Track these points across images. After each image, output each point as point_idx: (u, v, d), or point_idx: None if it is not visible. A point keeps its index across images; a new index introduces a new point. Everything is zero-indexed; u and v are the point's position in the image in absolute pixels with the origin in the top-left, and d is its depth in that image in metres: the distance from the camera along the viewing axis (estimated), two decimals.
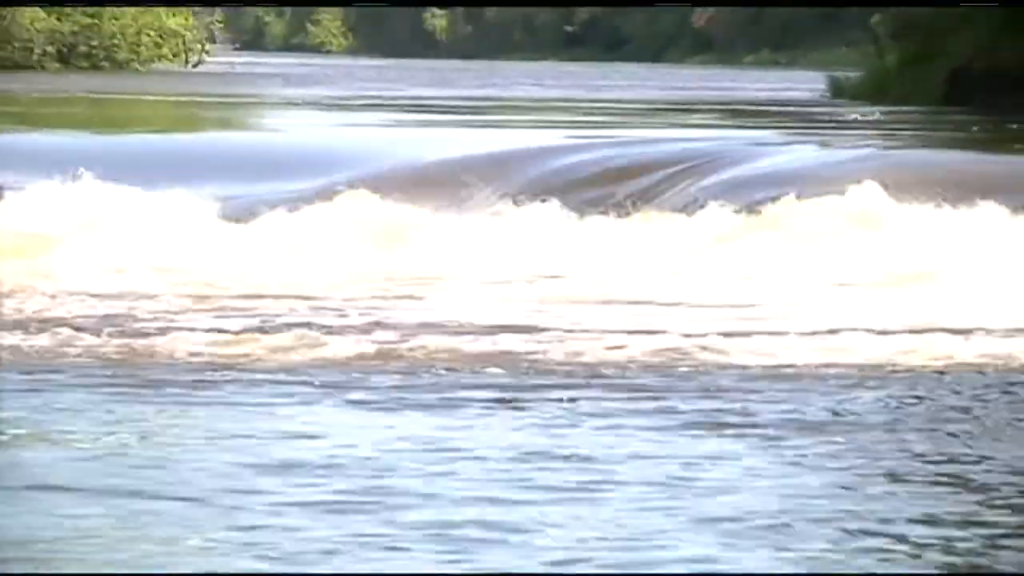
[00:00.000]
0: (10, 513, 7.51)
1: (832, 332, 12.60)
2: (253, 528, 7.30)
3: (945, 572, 6.52)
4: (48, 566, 6.85)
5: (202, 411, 10.08)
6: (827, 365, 11.56)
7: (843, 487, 8.39)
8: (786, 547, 7.24)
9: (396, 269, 15.85)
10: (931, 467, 8.83)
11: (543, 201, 18.44)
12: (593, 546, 7.17)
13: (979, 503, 8.10)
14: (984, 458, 9.03)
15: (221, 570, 6.64)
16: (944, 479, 8.55)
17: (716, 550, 7.19)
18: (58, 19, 67.34)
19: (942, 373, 11.40)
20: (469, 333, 12.60)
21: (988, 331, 12.72)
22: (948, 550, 7.27)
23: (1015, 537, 7.53)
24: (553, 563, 6.98)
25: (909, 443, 9.31)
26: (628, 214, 18.16)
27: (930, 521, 7.70)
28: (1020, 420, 10.10)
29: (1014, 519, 7.87)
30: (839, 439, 9.34)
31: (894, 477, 8.56)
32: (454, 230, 17.74)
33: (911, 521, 7.70)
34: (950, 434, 9.65)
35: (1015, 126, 28.35)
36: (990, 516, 7.87)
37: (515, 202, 18.57)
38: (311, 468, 8.52)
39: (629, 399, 10.44)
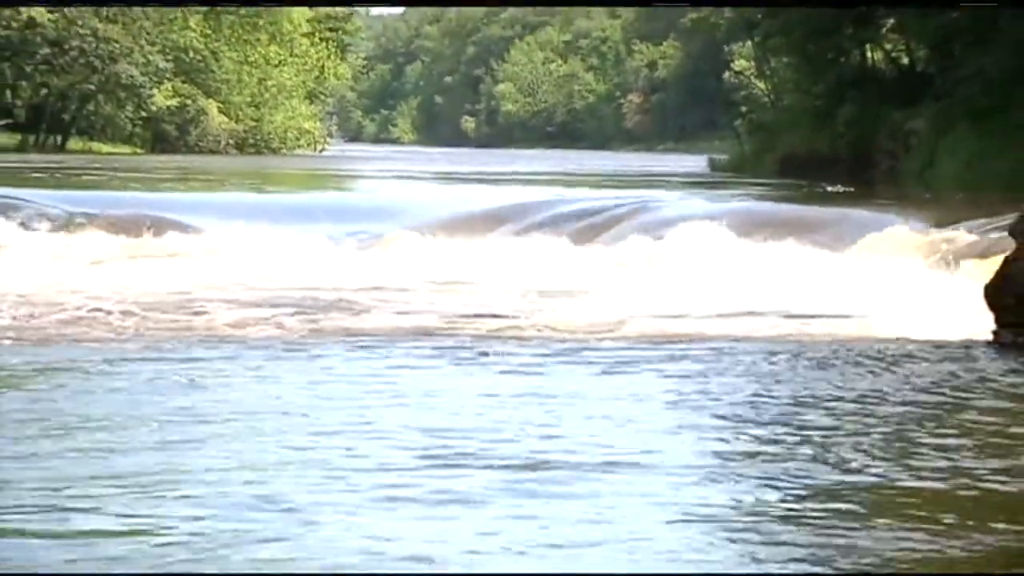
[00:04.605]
0: None
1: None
2: None
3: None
4: None
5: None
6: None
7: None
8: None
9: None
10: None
11: (539, 231, 18.46)
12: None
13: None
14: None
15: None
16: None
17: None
18: (236, 122, 67.24)
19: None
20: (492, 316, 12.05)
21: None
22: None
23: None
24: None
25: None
26: (587, 241, 18.00)
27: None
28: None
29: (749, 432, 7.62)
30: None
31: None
32: (482, 252, 17.45)
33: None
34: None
35: (819, 190, 28.59)
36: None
37: (520, 233, 18.41)
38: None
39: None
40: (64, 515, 5.30)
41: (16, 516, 5.25)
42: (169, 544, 4.95)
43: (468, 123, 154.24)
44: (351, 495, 5.67)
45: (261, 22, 66.79)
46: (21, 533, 5.06)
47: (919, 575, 4.77)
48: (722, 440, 6.98)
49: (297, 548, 4.94)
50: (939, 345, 10.37)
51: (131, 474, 5.91)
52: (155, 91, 59.97)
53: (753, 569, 4.81)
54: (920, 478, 6.18)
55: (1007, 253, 10.99)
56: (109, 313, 11.52)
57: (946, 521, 5.44)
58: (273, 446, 6.55)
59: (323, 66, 73.91)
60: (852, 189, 28.31)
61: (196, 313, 11.74)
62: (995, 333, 10.62)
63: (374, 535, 5.10)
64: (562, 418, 7.39)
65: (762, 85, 54.94)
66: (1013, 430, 7.30)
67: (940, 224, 16.39)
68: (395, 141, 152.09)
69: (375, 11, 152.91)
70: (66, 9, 54.26)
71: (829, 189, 27.65)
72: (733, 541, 5.10)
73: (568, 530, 5.24)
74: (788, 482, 6.04)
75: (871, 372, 9.09)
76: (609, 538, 5.16)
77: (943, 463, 6.47)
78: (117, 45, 55.95)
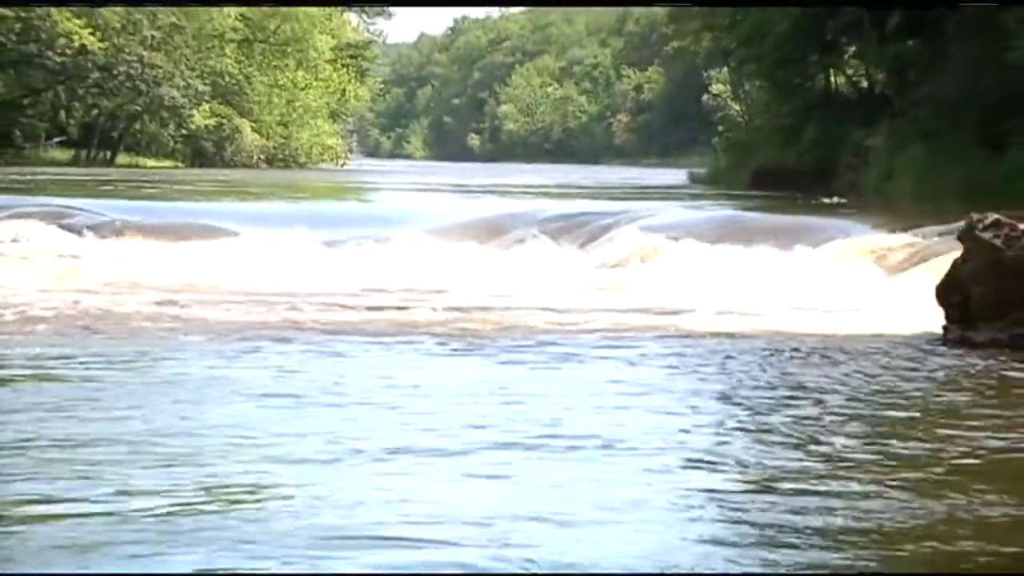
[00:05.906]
0: None
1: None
2: None
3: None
4: None
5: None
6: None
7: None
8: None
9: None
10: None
11: (535, 237, 18.33)
12: None
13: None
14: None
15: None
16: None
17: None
18: (266, 139, 67.21)
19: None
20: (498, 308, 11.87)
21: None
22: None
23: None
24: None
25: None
26: (582, 246, 17.91)
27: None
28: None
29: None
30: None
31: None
32: (486, 254, 17.32)
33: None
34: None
35: (815, 202, 28.35)
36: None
37: (521, 238, 18.23)
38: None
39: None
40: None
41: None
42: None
43: (474, 140, 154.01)
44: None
45: (289, 50, 66.76)
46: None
47: (893, 574, 4.60)
48: (697, 429, 7.00)
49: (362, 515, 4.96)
50: (893, 340, 10.39)
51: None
52: (194, 111, 59.96)
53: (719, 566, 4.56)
54: (874, 461, 6.20)
55: (956, 256, 11.04)
56: (168, 305, 11.49)
57: (907, 493, 5.48)
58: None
59: (344, 89, 73.94)
60: (845, 200, 28.00)
61: (229, 309, 11.61)
62: (945, 329, 10.66)
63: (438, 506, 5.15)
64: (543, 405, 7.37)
65: (737, 107, 55.01)
66: (959, 415, 7.32)
67: (896, 230, 16.35)
68: (408, 156, 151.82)
69: (391, 40, 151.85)
70: (114, 38, 54.29)
71: (825, 201, 27.47)
72: (703, 536, 4.86)
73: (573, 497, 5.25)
74: (761, 470, 6.05)
75: (829, 366, 9.05)
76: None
77: (900, 446, 6.51)
78: (160, 70, 56.02)
